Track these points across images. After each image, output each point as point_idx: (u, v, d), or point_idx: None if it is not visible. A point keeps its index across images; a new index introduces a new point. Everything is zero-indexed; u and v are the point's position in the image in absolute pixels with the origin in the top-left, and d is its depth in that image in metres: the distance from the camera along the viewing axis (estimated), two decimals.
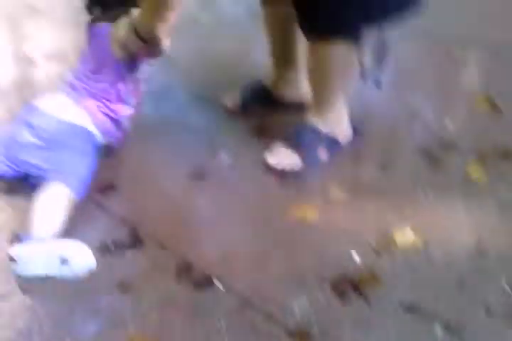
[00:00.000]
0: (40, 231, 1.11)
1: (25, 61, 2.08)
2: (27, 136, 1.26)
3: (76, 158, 1.26)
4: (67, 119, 1.30)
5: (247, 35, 2.54)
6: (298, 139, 1.47)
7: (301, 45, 1.55)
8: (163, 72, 2.12)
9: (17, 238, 1.11)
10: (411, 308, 1.01)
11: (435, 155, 1.52)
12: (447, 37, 2.51)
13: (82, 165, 1.26)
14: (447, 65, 2.21)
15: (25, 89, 1.87)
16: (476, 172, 1.44)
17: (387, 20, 1.31)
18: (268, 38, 1.67)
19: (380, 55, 1.36)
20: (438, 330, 0.97)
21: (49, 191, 1.18)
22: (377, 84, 1.37)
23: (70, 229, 1.22)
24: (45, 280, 1.08)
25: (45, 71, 1.95)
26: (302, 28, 1.34)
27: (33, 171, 1.25)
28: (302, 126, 1.50)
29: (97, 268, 1.11)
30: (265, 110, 1.74)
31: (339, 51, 1.34)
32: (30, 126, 1.27)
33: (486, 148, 1.54)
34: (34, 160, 1.24)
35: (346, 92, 1.49)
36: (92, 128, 1.35)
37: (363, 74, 1.37)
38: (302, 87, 1.73)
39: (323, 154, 1.47)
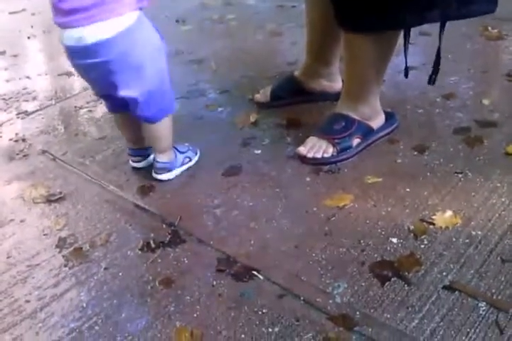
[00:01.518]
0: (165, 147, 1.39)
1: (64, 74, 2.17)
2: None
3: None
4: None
5: (275, 29, 2.55)
6: (331, 128, 1.47)
7: (337, 36, 1.54)
8: (193, 71, 2.16)
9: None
10: (453, 288, 1.00)
11: (473, 135, 1.48)
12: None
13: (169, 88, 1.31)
14: (482, 41, 2.15)
15: (64, 101, 1.95)
16: None
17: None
18: (306, 28, 1.66)
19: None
20: (482, 308, 0.95)
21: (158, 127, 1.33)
22: (406, 73, 1.35)
23: (112, 230, 1.27)
24: (92, 278, 1.13)
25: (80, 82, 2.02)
26: (338, 19, 1.33)
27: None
28: (335, 115, 1.50)
29: (141, 266, 1.14)
30: (297, 102, 1.75)
31: (375, 43, 1.32)
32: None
33: None
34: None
35: (380, 81, 1.48)
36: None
37: (406, 73, 1.35)
38: (335, 79, 1.73)
39: (357, 141, 1.46)
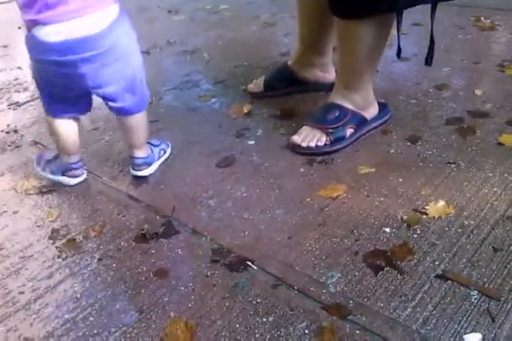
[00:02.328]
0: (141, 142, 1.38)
1: None
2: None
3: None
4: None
5: (268, 19, 2.54)
6: (325, 118, 1.47)
7: (330, 26, 1.54)
8: (186, 61, 2.15)
9: None
10: (445, 277, 1.00)
11: (466, 126, 1.49)
12: (473, 2, 2.45)
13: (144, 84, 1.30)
14: (475, 32, 2.16)
15: None
16: (508, 139, 1.40)
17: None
18: (298, 19, 1.65)
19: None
20: (474, 297, 0.96)
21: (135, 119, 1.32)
22: (398, 53, 1.34)
23: (106, 221, 1.27)
24: (86, 270, 1.13)
25: None
26: (331, 6, 1.32)
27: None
28: (328, 105, 1.50)
29: (135, 257, 1.14)
30: (290, 92, 1.75)
31: (368, 30, 1.32)
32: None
33: None
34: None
35: (373, 70, 1.48)
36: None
37: (399, 53, 1.34)
38: (328, 70, 1.73)
39: (350, 131, 1.46)
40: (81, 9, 1.08)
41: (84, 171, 1.43)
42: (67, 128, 1.33)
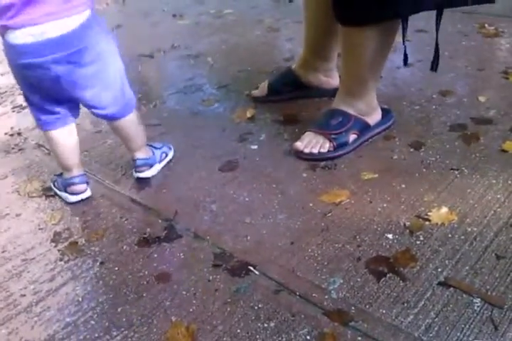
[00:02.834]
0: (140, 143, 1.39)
1: None
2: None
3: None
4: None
5: (272, 24, 2.55)
6: (328, 123, 1.47)
7: (336, 32, 1.54)
8: (189, 65, 2.16)
9: None
10: (448, 284, 1.00)
11: (470, 132, 1.49)
12: (478, 9, 2.45)
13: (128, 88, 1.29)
14: (479, 38, 2.16)
15: None
16: (511, 146, 1.40)
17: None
18: (304, 24, 1.66)
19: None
20: (477, 304, 0.96)
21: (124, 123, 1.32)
22: (405, 60, 1.34)
23: (108, 225, 1.27)
24: (88, 273, 1.13)
25: None
26: (335, 13, 1.32)
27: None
28: (331, 111, 1.50)
29: (137, 261, 1.14)
30: (294, 97, 1.75)
31: (373, 36, 1.32)
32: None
33: None
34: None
35: (377, 76, 1.48)
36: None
37: (405, 60, 1.34)
38: (332, 75, 1.73)
39: (353, 137, 1.46)
40: (51, 14, 1.08)
41: (88, 188, 1.37)
42: (62, 139, 1.30)
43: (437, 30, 1.29)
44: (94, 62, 1.16)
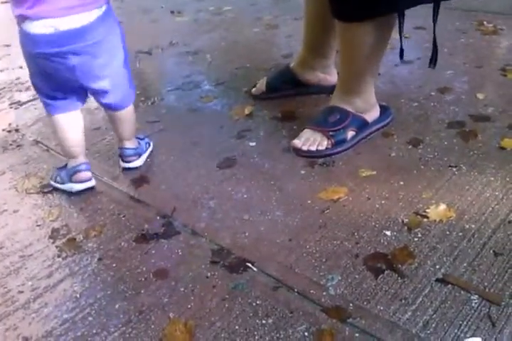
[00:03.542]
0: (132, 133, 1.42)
1: None
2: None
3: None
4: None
5: (271, 21, 2.55)
6: (326, 120, 1.46)
7: (334, 29, 1.54)
8: (188, 62, 2.15)
9: None
10: (446, 281, 1.00)
11: (468, 129, 1.49)
12: (476, 6, 2.45)
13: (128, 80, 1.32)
14: (477, 36, 2.16)
15: None
16: (510, 144, 1.40)
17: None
18: (304, 21, 1.66)
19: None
20: (475, 301, 0.96)
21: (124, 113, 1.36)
22: (401, 54, 1.34)
23: (106, 221, 1.26)
24: (86, 269, 1.13)
25: None
26: (333, 9, 1.32)
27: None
28: (329, 108, 1.50)
29: (135, 257, 1.14)
30: (292, 94, 1.75)
31: (370, 32, 1.31)
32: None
33: None
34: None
35: (374, 73, 1.47)
36: None
37: (402, 54, 1.34)
38: (330, 72, 1.73)
39: (351, 134, 1.46)
40: (71, 8, 1.11)
41: (92, 178, 1.38)
42: (68, 124, 1.33)
43: (434, 25, 1.28)
44: (108, 53, 1.21)
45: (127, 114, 1.37)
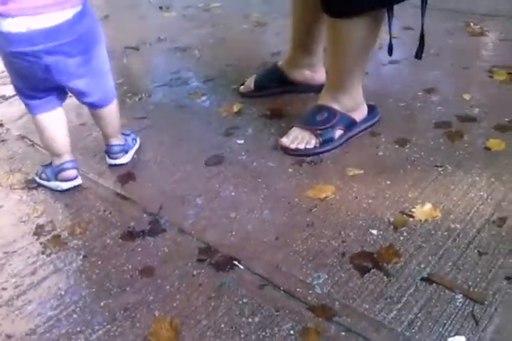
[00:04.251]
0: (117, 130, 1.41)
1: None
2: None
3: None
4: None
5: (260, 18, 2.54)
6: (314, 119, 1.47)
7: (321, 26, 1.54)
8: (176, 58, 2.14)
9: None
10: (431, 280, 1.01)
11: (454, 130, 1.50)
12: (463, 8, 2.47)
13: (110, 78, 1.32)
14: (465, 37, 2.17)
15: None
16: (495, 144, 1.41)
17: None
18: (291, 19, 1.66)
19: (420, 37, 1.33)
20: (459, 300, 0.97)
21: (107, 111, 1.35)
22: (390, 50, 1.34)
23: (92, 218, 1.25)
24: (70, 266, 1.12)
25: None
26: (323, 5, 1.32)
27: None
28: (317, 106, 1.50)
29: (121, 254, 1.13)
30: (280, 92, 1.75)
31: (359, 29, 1.32)
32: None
33: (506, 120, 1.52)
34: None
35: (363, 70, 1.48)
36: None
37: (390, 50, 1.34)
38: (318, 70, 1.73)
39: (339, 133, 1.46)
40: (44, 7, 1.08)
41: (79, 176, 1.37)
42: (50, 123, 1.31)
43: (423, 16, 1.28)
44: (84, 52, 1.18)
45: (110, 112, 1.36)
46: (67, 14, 1.12)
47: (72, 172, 1.35)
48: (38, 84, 1.22)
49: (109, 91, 1.33)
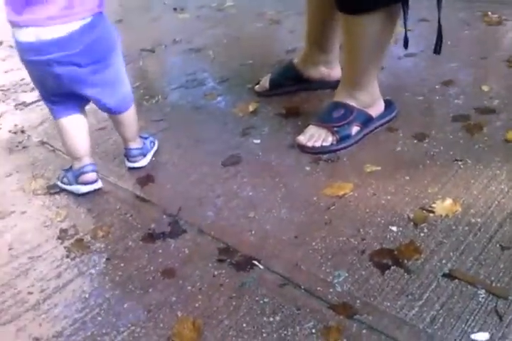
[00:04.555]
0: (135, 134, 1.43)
1: None
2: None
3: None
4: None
5: (274, 16, 2.53)
6: (330, 116, 1.46)
7: (336, 23, 1.54)
8: (191, 59, 2.15)
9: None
10: (453, 276, 1.00)
11: (473, 123, 1.48)
12: None
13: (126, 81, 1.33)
14: (482, 27, 2.14)
15: None
16: None
17: None
18: (306, 16, 1.65)
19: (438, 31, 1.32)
20: (481, 296, 0.96)
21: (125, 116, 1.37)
22: (406, 43, 1.33)
23: (113, 221, 1.27)
24: (94, 269, 1.13)
25: None
26: (337, 2, 1.31)
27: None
28: (333, 103, 1.50)
29: (143, 256, 1.15)
30: (296, 90, 1.75)
31: (374, 25, 1.31)
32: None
33: None
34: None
35: (378, 66, 1.47)
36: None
37: (406, 43, 1.33)
38: (334, 67, 1.73)
39: (356, 129, 1.46)
40: (54, 18, 1.11)
41: (99, 179, 1.39)
42: (71, 127, 1.34)
43: (439, 10, 1.26)
44: (95, 62, 1.20)
45: (128, 117, 1.38)
46: (74, 26, 1.14)
47: (92, 176, 1.37)
48: (54, 91, 1.25)
49: (126, 97, 1.34)
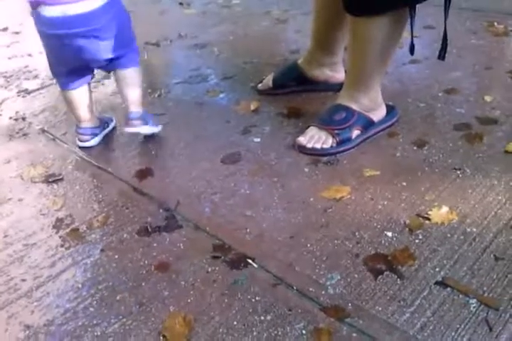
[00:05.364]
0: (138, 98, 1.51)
1: None
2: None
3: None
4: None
5: (280, 15, 2.54)
6: (331, 119, 1.46)
7: (342, 25, 1.54)
8: (195, 55, 2.15)
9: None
10: (445, 284, 1.01)
11: (474, 132, 1.48)
12: (486, 7, 2.44)
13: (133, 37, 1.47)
14: (487, 37, 2.15)
15: None
16: None
17: None
18: (313, 17, 1.65)
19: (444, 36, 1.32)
20: (473, 305, 0.96)
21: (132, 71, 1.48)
22: (412, 49, 1.33)
23: (110, 213, 1.27)
24: (88, 260, 1.14)
25: None
26: (345, 4, 1.31)
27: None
28: (335, 106, 1.50)
29: (137, 249, 1.15)
30: (299, 91, 1.75)
31: (381, 28, 1.31)
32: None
33: None
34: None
35: (383, 71, 1.47)
36: None
37: (412, 49, 1.33)
38: (338, 70, 1.73)
39: (356, 133, 1.46)
40: None
41: (93, 139, 1.54)
42: (78, 97, 1.49)
43: (446, 17, 1.27)
44: (114, 34, 1.35)
45: (135, 74, 1.47)
46: (96, 3, 1.29)
47: (85, 138, 1.54)
48: (69, 63, 1.40)
49: (133, 50, 1.46)
